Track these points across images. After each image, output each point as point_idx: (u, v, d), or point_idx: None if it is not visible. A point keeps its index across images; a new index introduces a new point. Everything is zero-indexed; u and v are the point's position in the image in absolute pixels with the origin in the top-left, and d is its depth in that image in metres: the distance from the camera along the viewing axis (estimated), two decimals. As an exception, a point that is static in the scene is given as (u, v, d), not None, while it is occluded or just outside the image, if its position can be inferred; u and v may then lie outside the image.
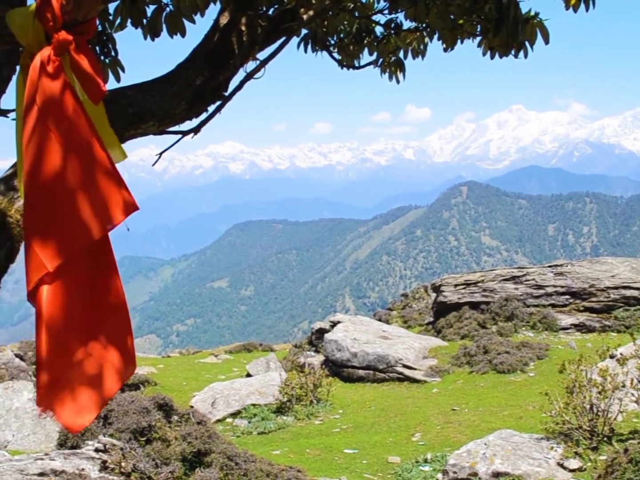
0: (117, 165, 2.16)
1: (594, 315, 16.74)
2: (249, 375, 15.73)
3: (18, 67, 2.18)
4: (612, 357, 9.40)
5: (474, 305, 18.38)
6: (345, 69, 3.99)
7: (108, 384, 2.04)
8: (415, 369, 14.52)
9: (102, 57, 3.33)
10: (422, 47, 3.87)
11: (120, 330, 2.09)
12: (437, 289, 20.13)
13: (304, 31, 3.75)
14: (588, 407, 7.76)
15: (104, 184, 1.98)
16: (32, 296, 1.92)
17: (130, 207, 2.00)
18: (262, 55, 3.05)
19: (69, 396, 1.96)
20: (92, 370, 2.01)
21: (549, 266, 18.59)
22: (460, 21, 3.37)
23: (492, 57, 3.46)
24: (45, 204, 1.93)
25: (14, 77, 2.71)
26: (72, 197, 1.93)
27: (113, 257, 2.09)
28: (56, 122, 1.93)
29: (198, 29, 3.15)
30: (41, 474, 5.57)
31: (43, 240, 1.91)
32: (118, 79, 3.36)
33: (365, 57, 3.97)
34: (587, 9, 3.11)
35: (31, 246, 1.91)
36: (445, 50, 3.58)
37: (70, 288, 1.94)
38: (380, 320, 21.78)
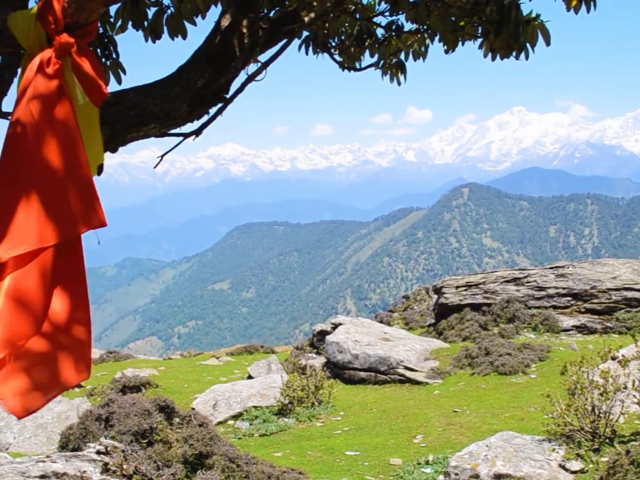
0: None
1: (596, 316, 16.71)
2: (250, 377, 15.71)
3: (19, 70, 2.18)
4: (613, 358, 9.37)
5: (476, 307, 18.36)
6: (346, 70, 3.99)
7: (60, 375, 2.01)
8: (416, 370, 14.50)
9: (103, 60, 3.33)
10: (423, 49, 3.87)
11: (79, 337, 2.05)
12: (438, 290, 20.11)
13: (305, 33, 3.75)
14: (590, 408, 7.75)
15: (80, 189, 1.94)
16: None
17: (98, 221, 1.98)
18: (263, 57, 3.06)
19: (17, 378, 1.94)
20: (43, 357, 1.98)
21: (551, 268, 18.55)
22: (461, 23, 3.38)
23: (493, 59, 3.46)
24: (15, 193, 1.91)
25: (15, 80, 2.71)
26: (47, 191, 1.91)
27: (82, 264, 2.05)
28: (44, 121, 1.92)
29: (199, 31, 3.15)
30: (42, 476, 5.56)
31: (6, 230, 1.89)
32: (119, 82, 3.36)
33: (367, 59, 3.98)
34: (588, 10, 3.11)
35: None
36: (446, 52, 3.58)
37: (32, 284, 1.92)
38: (381, 322, 21.76)
